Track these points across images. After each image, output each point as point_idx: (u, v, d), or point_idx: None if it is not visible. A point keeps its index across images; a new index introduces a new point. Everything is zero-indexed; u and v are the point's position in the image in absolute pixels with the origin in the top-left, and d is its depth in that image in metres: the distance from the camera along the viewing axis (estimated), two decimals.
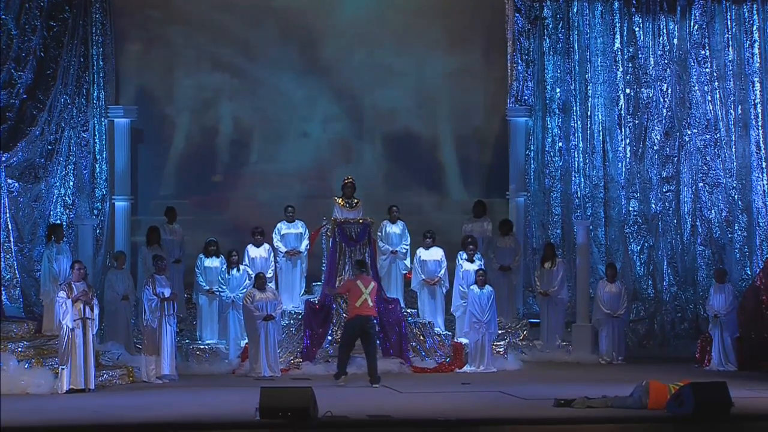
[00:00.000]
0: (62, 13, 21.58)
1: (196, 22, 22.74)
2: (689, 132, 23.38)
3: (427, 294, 20.44)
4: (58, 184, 21.57)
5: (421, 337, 19.86)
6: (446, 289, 20.49)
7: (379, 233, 20.50)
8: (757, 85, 23.32)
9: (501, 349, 20.10)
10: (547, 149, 23.33)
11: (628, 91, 23.41)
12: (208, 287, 20.03)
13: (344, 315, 18.78)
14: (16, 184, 21.06)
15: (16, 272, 20.80)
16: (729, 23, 23.37)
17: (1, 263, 20.20)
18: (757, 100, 23.33)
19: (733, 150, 23.37)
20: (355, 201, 20.48)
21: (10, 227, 20.81)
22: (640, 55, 23.40)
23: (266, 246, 20.34)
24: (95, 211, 21.81)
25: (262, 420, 13.45)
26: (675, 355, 21.68)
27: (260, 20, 22.84)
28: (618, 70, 23.35)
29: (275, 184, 22.64)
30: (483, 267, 20.22)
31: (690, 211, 23.37)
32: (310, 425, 13.45)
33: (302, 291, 20.58)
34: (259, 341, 18.72)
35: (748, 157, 23.30)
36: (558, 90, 23.37)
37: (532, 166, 23.27)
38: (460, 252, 20.49)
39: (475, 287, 19.71)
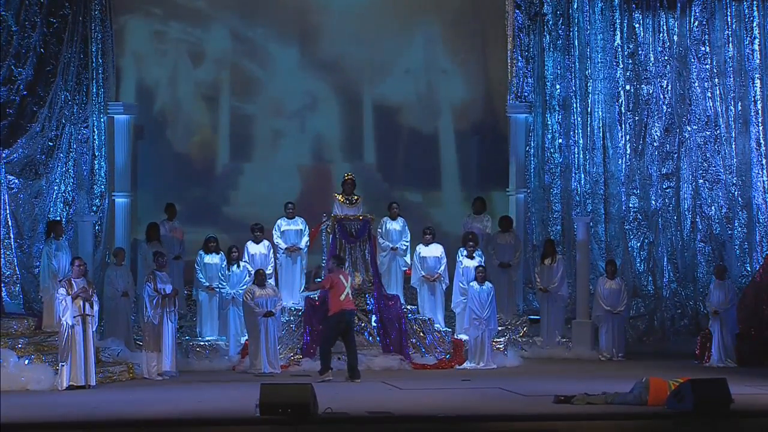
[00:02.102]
0: (62, 9, 21.58)
1: (195, 18, 22.75)
2: (689, 128, 23.38)
3: (427, 290, 20.44)
4: (58, 180, 21.57)
5: (421, 334, 19.85)
6: (446, 286, 20.49)
7: (379, 230, 20.50)
8: (757, 81, 23.31)
9: (501, 346, 20.09)
10: (547, 146, 23.34)
11: (628, 87, 23.42)
12: (208, 284, 20.04)
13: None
14: (16, 181, 21.05)
15: (16, 269, 20.79)
16: (729, 20, 23.36)
17: (1, 260, 20.19)
18: (757, 97, 23.32)
19: (733, 146, 23.37)
20: (355, 197, 20.46)
21: (10, 224, 20.80)
22: (640, 52, 23.40)
23: (266, 242, 20.35)
24: (94, 208, 21.82)
25: (262, 416, 13.44)
26: (675, 351, 21.67)
27: (260, 16, 22.85)
28: (618, 66, 23.36)
29: (275, 180, 22.63)
30: (483, 263, 20.21)
31: (690, 208, 23.38)
32: (310, 421, 13.45)
33: (302, 287, 20.57)
34: (259, 338, 18.72)
35: (748, 153, 23.30)
36: (558, 86, 23.38)
37: (532, 162, 23.28)
38: (460, 248, 20.49)
39: (474, 284, 19.71)
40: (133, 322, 19.97)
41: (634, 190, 23.38)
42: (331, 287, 18.12)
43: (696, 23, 23.43)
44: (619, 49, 23.40)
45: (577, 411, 14.46)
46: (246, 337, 19.24)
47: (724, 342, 20.04)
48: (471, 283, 19.78)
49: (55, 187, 21.55)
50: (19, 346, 17.62)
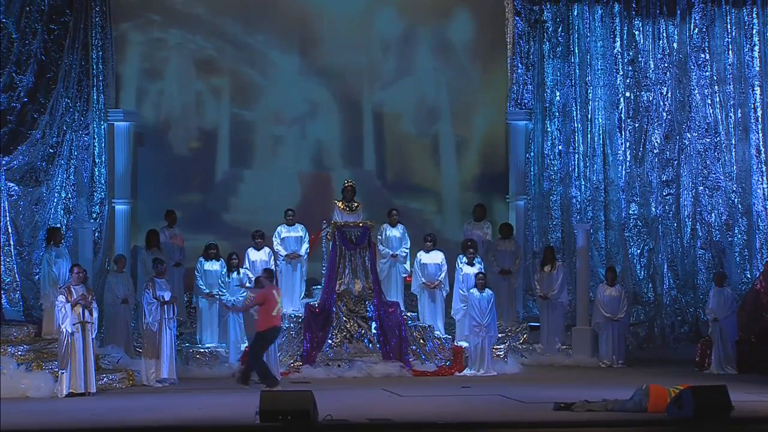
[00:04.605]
0: (62, 16, 21.61)
1: (195, 25, 22.76)
2: (689, 135, 23.40)
3: (428, 297, 20.44)
4: (58, 187, 21.57)
5: (422, 341, 19.85)
6: (446, 293, 20.49)
7: (379, 236, 20.50)
8: (757, 88, 23.36)
9: (501, 353, 20.09)
10: (546, 152, 23.34)
11: (628, 94, 23.44)
12: (208, 290, 20.03)
13: (256, 323, 18.20)
14: (16, 188, 21.05)
15: (16, 276, 20.78)
16: (729, 27, 23.40)
17: (1, 267, 20.19)
18: (757, 104, 23.36)
19: (733, 153, 23.40)
20: (356, 204, 20.47)
21: (10, 231, 20.80)
22: (640, 59, 23.43)
23: (266, 249, 20.35)
24: (94, 215, 21.81)
25: (262, 423, 13.44)
26: (675, 358, 21.66)
27: (260, 23, 22.85)
28: (618, 73, 23.38)
29: (275, 187, 22.63)
30: (483, 270, 20.22)
31: (690, 215, 23.39)
32: (310, 428, 13.44)
33: (302, 294, 20.59)
34: None
35: (748, 160, 23.33)
36: (558, 93, 23.39)
37: (532, 169, 23.28)
38: (460, 255, 20.49)
39: (475, 290, 19.71)
40: (133, 329, 19.97)
41: (634, 197, 23.39)
42: (264, 303, 17.95)
43: (696, 30, 23.46)
44: (619, 56, 23.42)
45: (577, 418, 14.46)
46: (246, 344, 19.22)
47: (725, 349, 20.04)
48: (471, 290, 19.79)
49: (56, 194, 21.55)
50: (19, 353, 17.62)
